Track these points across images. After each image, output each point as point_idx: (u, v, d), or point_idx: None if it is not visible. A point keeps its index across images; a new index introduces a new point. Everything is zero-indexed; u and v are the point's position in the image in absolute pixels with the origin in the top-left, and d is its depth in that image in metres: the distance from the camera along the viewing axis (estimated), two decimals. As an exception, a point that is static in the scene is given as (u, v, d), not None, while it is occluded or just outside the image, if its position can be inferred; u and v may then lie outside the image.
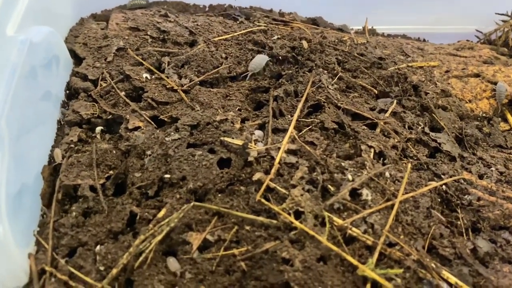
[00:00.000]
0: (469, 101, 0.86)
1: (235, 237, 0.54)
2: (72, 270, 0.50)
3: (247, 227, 0.54)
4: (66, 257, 0.52)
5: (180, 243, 0.53)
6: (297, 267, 0.51)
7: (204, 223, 0.55)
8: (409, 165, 0.64)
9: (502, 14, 1.06)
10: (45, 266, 0.50)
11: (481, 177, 0.71)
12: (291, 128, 0.66)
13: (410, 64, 0.89)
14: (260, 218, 0.55)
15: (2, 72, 0.54)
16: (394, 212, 0.57)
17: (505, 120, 0.87)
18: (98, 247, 0.53)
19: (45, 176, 0.59)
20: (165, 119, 0.68)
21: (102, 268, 0.51)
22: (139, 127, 0.66)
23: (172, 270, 0.51)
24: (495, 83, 0.88)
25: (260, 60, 0.75)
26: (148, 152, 0.62)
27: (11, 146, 0.51)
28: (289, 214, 0.55)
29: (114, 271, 0.49)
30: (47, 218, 0.55)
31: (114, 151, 0.63)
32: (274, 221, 0.54)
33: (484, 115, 0.85)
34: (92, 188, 0.58)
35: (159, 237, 0.52)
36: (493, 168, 0.73)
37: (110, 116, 0.68)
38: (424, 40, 1.08)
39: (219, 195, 0.57)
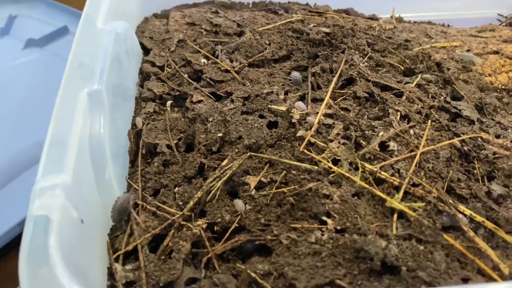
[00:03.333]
0: (488, 75, 0.95)
1: (284, 179, 0.66)
2: (158, 204, 0.64)
3: (294, 172, 0.67)
4: (152, 196, 0.67)
5: (240, 184, 0.66)
6: (336, 200, 0.63)
7: (259, 170, 0.67)
8: (429, 121, 0.75)
9: (522, -2, 1.15)
10: (137, 201, 0.65)
11: (497, 137, 0.80)
12: (327, 96, 0.78)
13: (433, 45, 0.99)
14: (304, 165, 0.67)
15: (97, 53, 0.70)
16: (416, 159, 0.68)
17: (525, 92, 0.96)
18: (176, 188, 0.67)
19: (130, 138, 0.74)
20: (222, 94, 0.82)
21: (180, 203, 0.64)
22: (201, 100, 0.80)
23: (239, 210, 0.63)
24: (514, 59, 0.97)
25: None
26: (210, 119, 0.76)
27: (109, 109, 0.66)
28: (328, 161, 0.67)
29: (191, 202, 0.63)
30: (135, 168, 0.70)
31: (183, 119, 0.77)
32: (316, 167, 0.67)
33: (503, 87, 0.94)
34: (168, 146, 0.73)
35: (224, 178, 0.65)
36: (509, 130, 0.82)
37: (177, 92, 0.83)
38: (448, 26, 1.18)
39: (269, 149, 0.70)
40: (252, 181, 0.66)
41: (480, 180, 0.72)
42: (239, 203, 0.63)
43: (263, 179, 0.66)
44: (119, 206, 0.61)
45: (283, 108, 0.75)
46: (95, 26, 0.75)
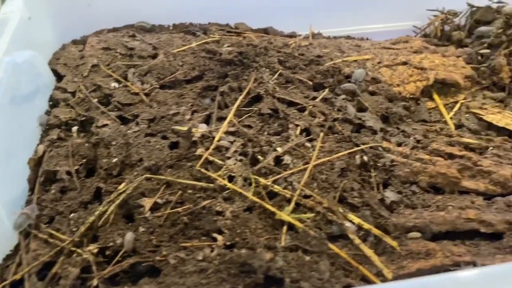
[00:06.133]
0: (397, 85, 0.99)
1: (180, 199, 0.67)
2: (51, 231, 0.64)
3: (190, 191, 0.68)
4: (47, 223, 0.67)
5: (136, 207, 0.67)
6: (228, 216, 0.64)
7: (156, 191, 0.68)
8: (322, 134, 0.77)
9: (433, 10, 1.21)
10: (28, 229, 0.64)
11: (399, 145, 0.84)
12: (230, 115, 0.80)
13: (345, 59, 1.03)
14: (200, 183, 0.68)
15: (-9, 85, 0.70)
16: (308, 171, 0.70)
17: (433, 99, 1.00)
18: (72, 214, 0.67)
19: (31, 166, 0.74)
20: (129, 117, 0.83)
21: (74, 229, 0.65)
22: (106, 124, 0.80)
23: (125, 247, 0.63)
24: (421, 68, 1.02)
25: None
26: (113, 143, 0.76)
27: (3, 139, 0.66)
28: (224, 178, 0.69)
29: (82, 228, 0.63)
30: (32, 196, 0.70)
31: (86, 144, 0.78)
32: (211, 185, 0.68)
33: (411, 96, 0.98)
34: (68, 173, 0.73)
35: (117, 202, 0.66)
36: (411, 138, 0.86)
37: (84, 118, 0.83)
38: (367, 39, 1.22)
39: (169, 169, 0.71)
40: (148, 203, 0.67)
41: (376, 188, 0.74)
42: (127, 238, 0.62)
43: (158, 200, 0.67)
44: (23, 213, 0.63)
45: (184, 128, 0.76)
46: (-8, 58, 0.76)
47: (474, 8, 1.20)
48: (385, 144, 0.82)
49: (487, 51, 1.07)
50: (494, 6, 1.18)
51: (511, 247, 0.65)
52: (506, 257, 0.63)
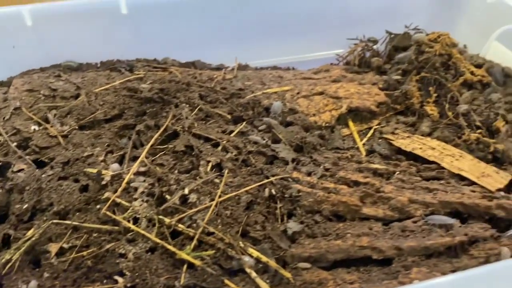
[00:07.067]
0: (313, 115, 1.04)
1: (86, 243, 0.70)
2: (-45, 283, 0.66)
3: (95, 234, 0.70)
4: (-47, 275, 0.68)
5: (42, 252, 0.69)
6: (130, 258, 0.67)
7: (63, 236, 0.71)
8: (226, 171, 0.81)
9: (353, 39, 1.28)
10: None
11: (309, 174, 0.88)
12: (143, 155, 0.83)
13: (265, 91, 1.08)
14: (105, 227, 0.71)
15: None
16: (211, 208, 0.74)
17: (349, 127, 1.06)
18: (-22, 264, 0.69)
19: None
20: (45, 160, 0.85)
21: (-21, 279, 0.66)
22: (22, 169, 0.82)
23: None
24: (337, 97, 1.07)
25: None
26: (27, 188, 0.78)
27: None
28: (129, 221, 0.72)
29: (-15, 278, 0.65)
30: None
31: (0, 191, 0.80)
32: (116, 227, 0.71)
33: (326, 125, 1.03)
34: (-22, 221, 0.75)
35: (22, 249, 0.68)
36: (321, 166, 0.90)
37: (1, 163, 0.85)
38: (293, 68, 1.28)
39: (77, 213, 0.74)
40: (54, 248, 0.69)
41: (280, 220, 0.78)
42: (30, 286, 0.65)
43: (64, 245, 0.69)
44: None
45: (94, 171, 0.79)
46: None
47: (392, 35, 1.28)
48: (295, 174, 0.87)
49: (399, 77, 1.14)
50: (412, 32, 1.25)
51: (398, 272, 0.70)
52: (391, 282, 0.68)
